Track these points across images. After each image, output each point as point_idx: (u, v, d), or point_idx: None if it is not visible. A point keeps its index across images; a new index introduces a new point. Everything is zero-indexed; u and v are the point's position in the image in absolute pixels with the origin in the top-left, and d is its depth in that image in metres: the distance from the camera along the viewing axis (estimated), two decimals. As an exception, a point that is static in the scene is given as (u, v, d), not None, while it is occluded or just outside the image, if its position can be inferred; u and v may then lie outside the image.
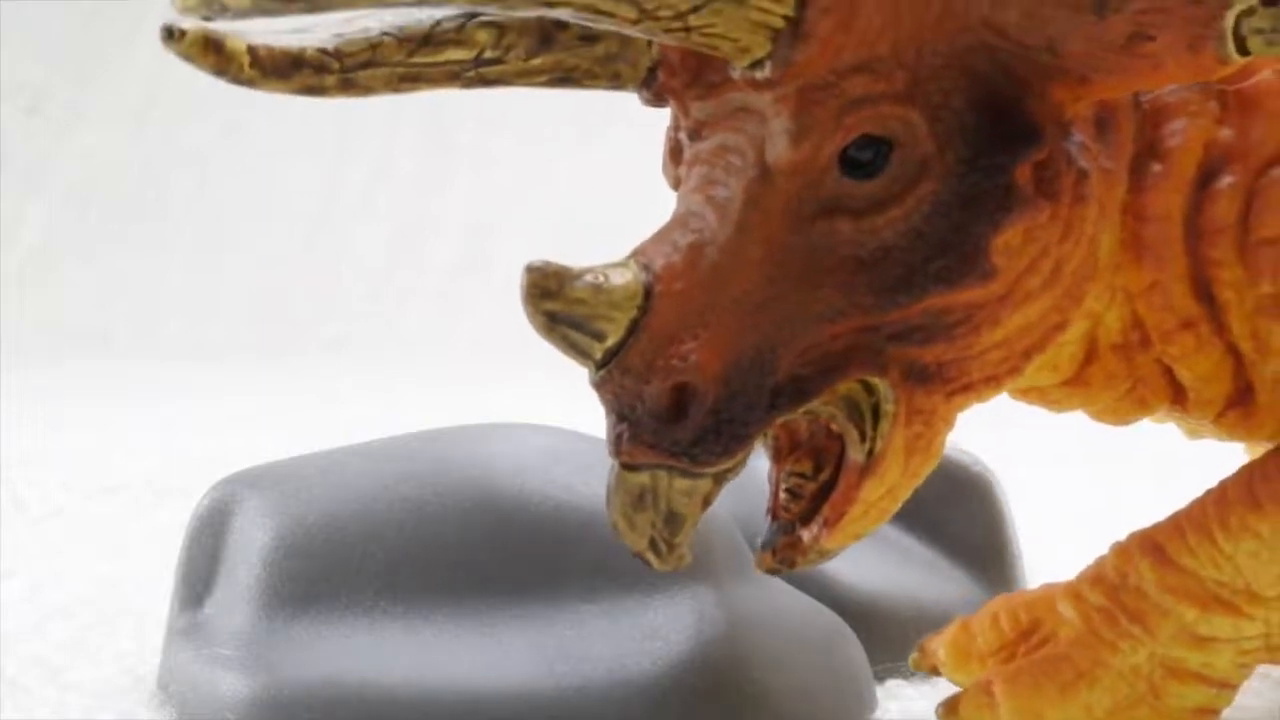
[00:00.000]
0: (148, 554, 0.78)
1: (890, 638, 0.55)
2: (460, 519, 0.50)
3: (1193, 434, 0.47)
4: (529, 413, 0.62)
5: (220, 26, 0.35)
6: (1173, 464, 0.74)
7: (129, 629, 0.63)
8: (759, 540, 0.53)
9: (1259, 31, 0.35)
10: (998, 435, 0.60)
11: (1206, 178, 0.41)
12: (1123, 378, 0.43)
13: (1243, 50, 0.35)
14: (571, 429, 0.55)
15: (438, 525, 0.50)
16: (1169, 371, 0.43)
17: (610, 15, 0.34)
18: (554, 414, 0.66)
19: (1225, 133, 0.41)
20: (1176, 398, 0.44)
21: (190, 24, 0.34)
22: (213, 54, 0.35)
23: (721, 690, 0.47)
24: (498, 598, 0.49)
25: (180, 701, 0.49)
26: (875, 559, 0.57)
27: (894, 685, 0.55)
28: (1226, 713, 0.52)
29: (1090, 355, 0.43)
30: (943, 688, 0.55)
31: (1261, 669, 0.57)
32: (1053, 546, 0.64)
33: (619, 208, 2.06)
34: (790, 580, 0.55)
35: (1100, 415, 0.45)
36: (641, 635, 0.48)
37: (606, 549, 0.50)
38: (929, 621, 0.56)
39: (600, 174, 2.09)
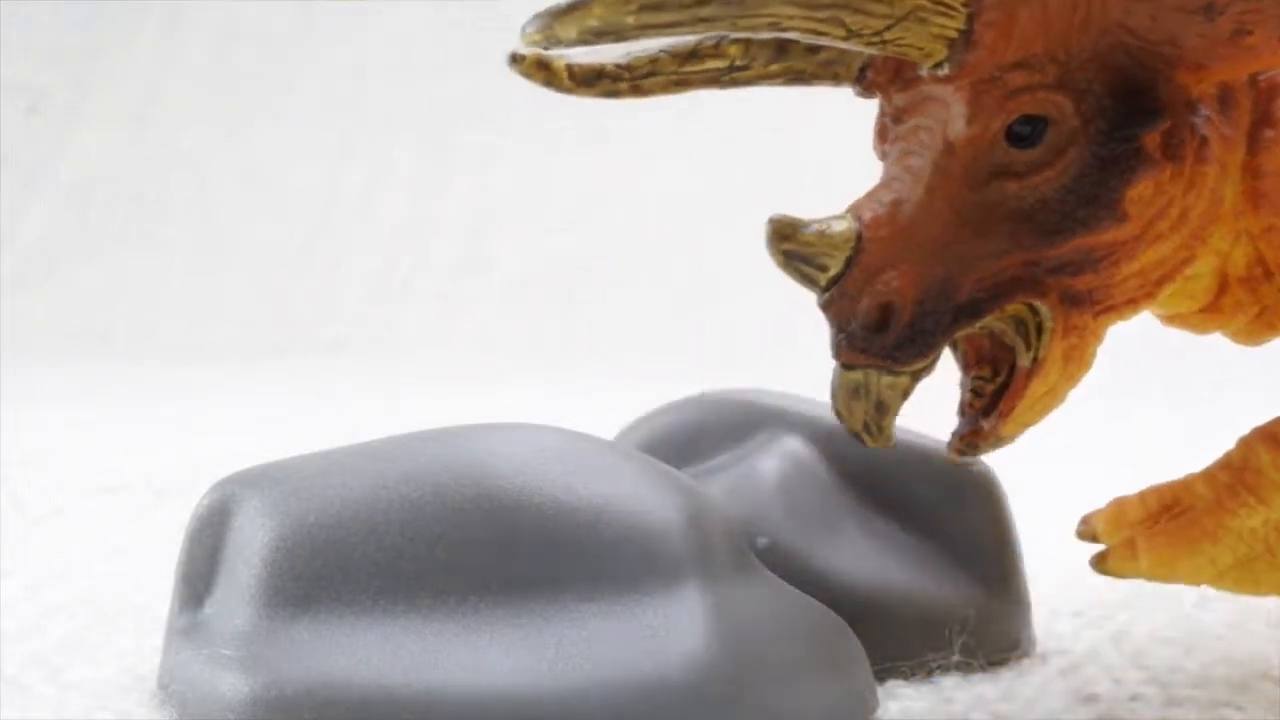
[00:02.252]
0: (148, 554, 0.78)
1: (890, 638, 0.55)
2: (460, 519, 0.50)
3: None
4: (529, 413, 0.62)
5: (550, 53, 0.48)
6: (1170, 464, 0.74)
7: (129, 628, 0.63)
8: (759, 540, 0.54)
9: None
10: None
11: None
12: (1250, 305, 0.53)
13: None
14: (571, 429, 0.55)
15: (438, 525, 0.50)
16: None
17: (826, 34, 0.44)
18: (554, 414, 0.66)
19: None
20: None
21: (528, 51, 0.46)
22: (543, 71, 0.49)
23: (721, 690, 0.47)
24: (498, 598, 0.49)
25: (180, 701, 0.49)
26: (876, 559, 0.57)
27: (894, 685, 0.55)
28: (1229, 713, 0.52)
29: (1222, 287, 0.52)
30: (943, 686, 0.55)
31: (1262, 669, 0.57)
32: (1053, 546, 0.64)
33: (617, 209, 2.06)
34: (790, 580, 0.55)
35: (1236, 336, 0.54)
36: (641, 635, 0.48)
37: (607, 549, 0.50)
38: (929, 621, 0.56)
39: (599, 175, 2.09)
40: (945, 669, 0.56)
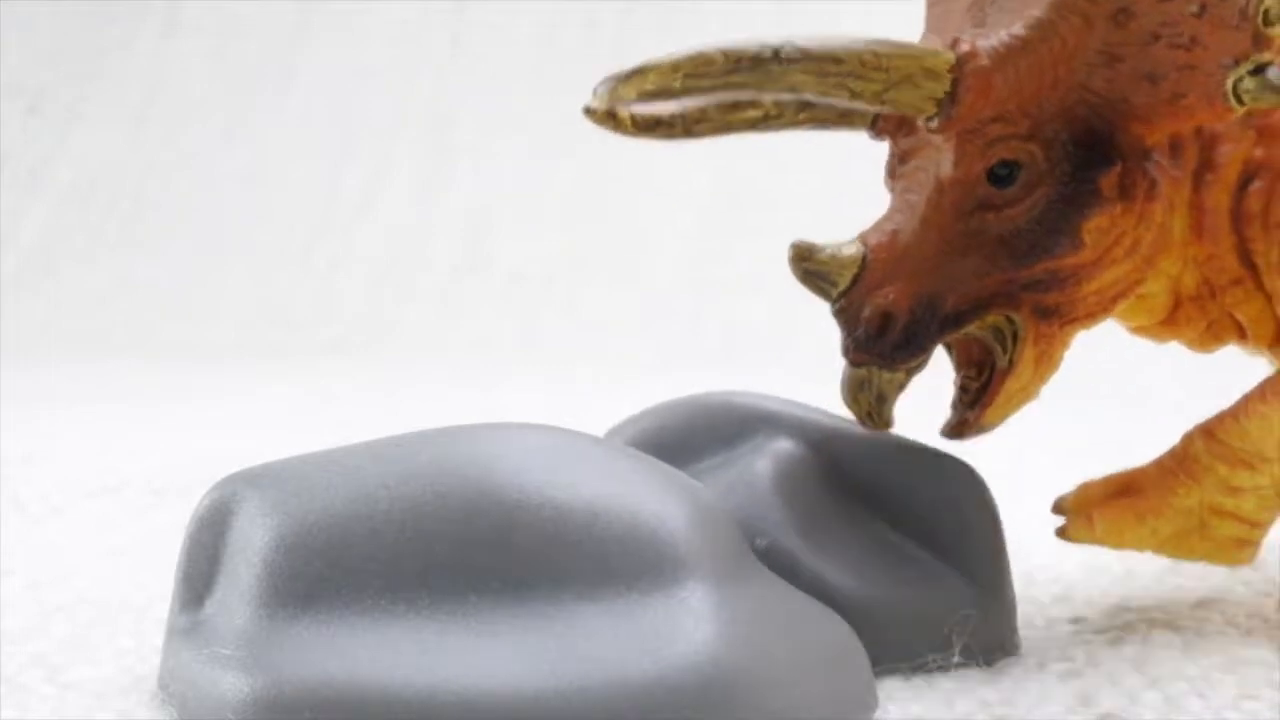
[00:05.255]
0: (148, 554, 0.78)
1: (888, 638, 0.55)
2: (460, 519, 0.50)
3: (1272, 362, 0.64)
4: (529, 413, 0.62)
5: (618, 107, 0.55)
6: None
7: (129, 628, 0.63)
8: (757, 541, 0.54)
9: (1248, 90, 0.55)
10: (992, 436, 0.61)
11: (1244, 182, 0.59)
12: (1199, 319, 0.62)
13: (1240, 102, 0.55)
14: (571, 429, 0.55)
15: (438, 525, 0.50)
16: (1232, 315, 0.61)
17: (834, 96, 0.54)
18: (554, 414, 0.66)
19: (1258, 152, 0.59)
20: (1240, 334, 0.62)
21: (598, 105, 0.54)
22: (611, 120, 0.55)
23: (721, 690, 0.47)
24: (498, 598, 0.49)
25: (180, 701, 0.49)
26: (872, 560, 0.57)
27: (893, 686, 0.55)
28: (1230, 715, 0.52)
29: (1176, 304, 0.61)
30: (940, 688, 0.55)
31: (1263, 672, 0.57)
32: (1052, 552, 0.64)
33: (617, 208, 2.06)
34: (790, 580, 0.55)
35: (1191, 345, 0.64)
36: (641, 635, 0.48)
37: (607, 548, 0.50)
38: (924, 622, 0.56)
39: (599, 175, 2.09)
40: (944, 670, 0.56)
